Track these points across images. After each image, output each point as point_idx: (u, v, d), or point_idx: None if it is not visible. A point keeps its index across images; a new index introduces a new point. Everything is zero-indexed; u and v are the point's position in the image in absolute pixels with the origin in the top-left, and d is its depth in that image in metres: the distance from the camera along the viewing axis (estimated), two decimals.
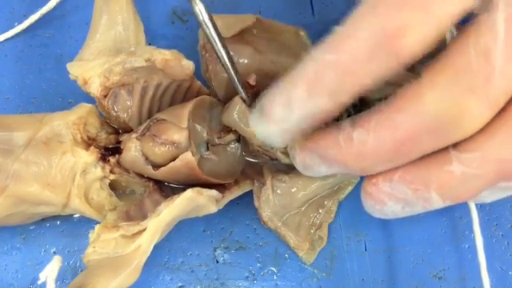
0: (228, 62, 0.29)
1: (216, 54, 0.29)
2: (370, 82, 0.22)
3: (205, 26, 0.28)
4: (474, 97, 0.21)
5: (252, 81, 0.33)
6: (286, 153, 0.31)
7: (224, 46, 0.29)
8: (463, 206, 0.36)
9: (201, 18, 0.28)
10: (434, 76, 0.22)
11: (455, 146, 0.23)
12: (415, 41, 0.21)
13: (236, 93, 0.31)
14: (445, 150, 0.24)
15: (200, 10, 0.28)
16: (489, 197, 0.26)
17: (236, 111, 0.32)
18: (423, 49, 0.21)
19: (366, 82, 0.22)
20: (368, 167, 0.25)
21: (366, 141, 0.23)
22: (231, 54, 0.33)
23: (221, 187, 0.33)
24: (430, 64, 0.22)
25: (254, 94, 0.34)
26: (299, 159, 0.27)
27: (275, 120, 0.24)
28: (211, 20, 0.28)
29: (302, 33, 0.36)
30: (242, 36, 0.34)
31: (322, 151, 0.26)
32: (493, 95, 0.21)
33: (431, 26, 0.21)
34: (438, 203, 0.25)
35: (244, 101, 0.31)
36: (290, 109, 0.23)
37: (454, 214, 0.36)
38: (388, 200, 0.26)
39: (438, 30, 0.21)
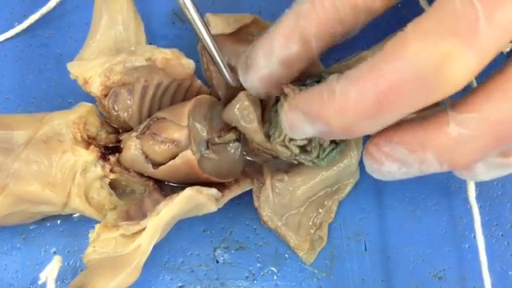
0: (214, 50, 0.31)
1: (201, 42, 0.30)
2: (338, 35, 0.24)
3: (189, 17, 0.29)
4: (458, 41, 0.20)
5: None
6: (284, 145, 0.31)
7: (210, 36, 0.30)
8: (463, 206, 0.36)
9: (186, 12, 0.28)
10: (418, 24, 0.21)
11: (453, 106, 0.23)
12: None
13: (240, 89, 0.31)
14: (443, 111, 0.23)
15: (185, 1, 0.28)
16: (485, 173, 0.26)
17: (237, 107, 0.32)
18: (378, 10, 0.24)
19: (335, 32, 0.24)
20: (350, 124, 0.24)
21: (348, 93, 0.23)
22: (229, 52, 0.34)
23: (221, 186, 0.33)
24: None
25: None
26: (286, 118, 0.27)
27: (258, 67, 0.27)
28: (197, 12, 0.29)
29: None
30: (240, 35, 0.34)
31: (306, 107, 0.25)
32: (479, 42, 0.20)
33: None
34: (434, 166, 0.24)
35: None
36: (270, 56, 0.26)
37: (454, 214, 0.36)
38: (385, 160, 0.25)
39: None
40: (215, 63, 0.31)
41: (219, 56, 0.31)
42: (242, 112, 0.32)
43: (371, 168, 0.27)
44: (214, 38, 0.31)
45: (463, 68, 0.21)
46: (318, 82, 0.30)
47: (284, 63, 0.26)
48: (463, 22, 0.20)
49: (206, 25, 0.30)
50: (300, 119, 0.26)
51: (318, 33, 0.25)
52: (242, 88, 0.31)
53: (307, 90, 0.26)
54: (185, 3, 0.29)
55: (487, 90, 0.23)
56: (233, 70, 0.33)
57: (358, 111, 0.23)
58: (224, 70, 0.32)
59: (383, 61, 0.22)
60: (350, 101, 0.23)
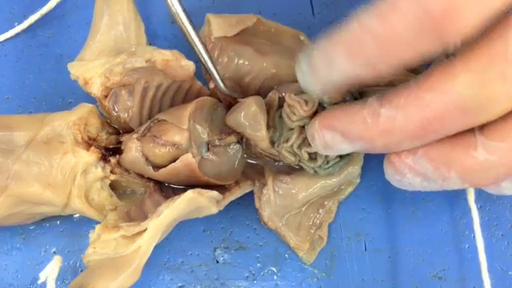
0: (204, 53, 0.30)
1: (190, 44, 0.30)
2: (410, 59, 0.22)
3: (177, 16, 0.28)
4: (505, 84, 0.22)
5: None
6: (292, 152, 0.31)
7: (198, 36, 0.30)
8: (463, 206, 0.36)
9: (173, 9, 0.28)
10: (469, 58, 0.22)
11: (482, 131, 0.24)
12: (461, 27, 0.21)
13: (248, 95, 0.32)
14: (471, 133, 0.24)
15: (173, 4, 0.28)
16: (509, 188, 0.26)
17: (244, 114, 0.32)
18: (469, 36, 0.21)
19: (405, 57, 0.22)
20: (393, 145, 0.25)
21: (394, 117, 0.23)
22: (232, 54, 0.34)
23: (221, 188, 0.33)
24: (466, 45, 0.22)
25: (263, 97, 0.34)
26: (319, 137, 0.27)
27: (318, 74, 0.25)
28: (184, 11, 0.28)
29: (302, 37, 0.36)
30: (242, 36, 0.34)
31: (345, 128, 0.26)
32: None
33: (481, 13, 0.21)
34: (456, 184, 0.25)
35: (226, 92, 0.32)
36: (331, 68, 0.24)
37: (454, 214, 0.36)
38: (408, 172, 0.26)
39: (486, 18, 0.21)
40: (207, 70, 0.31)
41: (212, 63, 0.31)
42: (250, 119, 0.32)
43: (392, 178, 0.27)
44: (207, 45, 0.31)
45: (505, 106, 0.22)
46: None
47: (346, 81, 0.25)
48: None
49: (198, 34, 0.30)
50: (336, 138, 0.26)
51: (388, 58, 0.23)
52: (238, 92, 0.31)
53: (341, 109, 0.26)
54: (177, 12, 0.29)
55: None
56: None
57: (403, 134, 0.24)
58: (217, 78, 0.32)
59: (430, 90, 0.23)
60: (395, 125, 0.24)
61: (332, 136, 0.26)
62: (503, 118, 0.23)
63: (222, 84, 0.32)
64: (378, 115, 0.24)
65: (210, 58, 0.31)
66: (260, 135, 0.32)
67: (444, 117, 0.23)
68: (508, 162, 0.24)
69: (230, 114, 0.33)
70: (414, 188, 0.27)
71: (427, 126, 0.23)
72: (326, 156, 0.31)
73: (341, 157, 0.32)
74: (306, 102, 0.29)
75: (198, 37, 0.30)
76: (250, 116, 0.32)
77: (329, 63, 0.24)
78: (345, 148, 0.27)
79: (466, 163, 0.24)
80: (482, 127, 0.24)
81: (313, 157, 0.31)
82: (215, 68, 0.31)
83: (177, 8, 0.29)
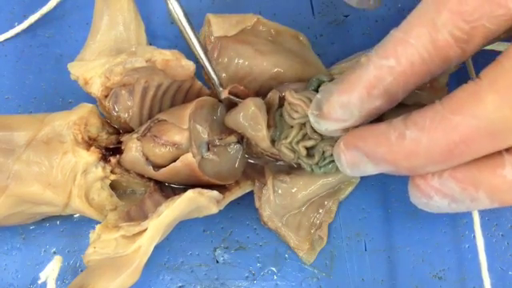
0: (204, 58, 0.31)
1: (190, 48, 0.30)
2: (424, 81, 0.24)
3: (178, 21, 0.28)
4: None
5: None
6: (290, 148, 0.31)
7: (198, 40, 0.30)
8: None
9: (175, 15, 0.28)
10: (494, 79, 0.22)
11: (508, 150, 0.23)
12: (460, 50, 0.23)
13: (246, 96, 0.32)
14: (498, 152, 0.24)
15: (173, 5, 0.28)
16: None
17: (243, 115, 0.32)
18: (470, 54, 0.23)
19: (420, 81, 0.24)
20: (418, 167, 0.25)
21: (420, 140, 0.23)
22: (231, 54, 0.34)
23: (222, 188, 0.33)
24: (490, 65, 0.23)
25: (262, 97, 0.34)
26: (345, 158, 0.27)
27: (334, 119, 0.26)
28: (185, 15, 0.28)
29: (301, 37, 0.36)
30: (242, 36, 0.34)
31: (370, 149, 0.25)
32: None
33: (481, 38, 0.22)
34: (484, 204, 0.25)
35: (225, 97, 0.32)
36: (349, 110, 0.25)
37: (454, 214, 0.36)
38: (435, 194, 0.25)
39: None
40: (207, 74, 0.31)
41: (212, 69, 0.31)
42: (250, 120, 0.32)
43: (419, 201, 0.26)
44: (207, 50, 0.31)
45: None
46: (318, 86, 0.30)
47: (365, 115, 0.26)
48: None
49: (199, 39, 0.30)
50: (362, 160, 0.26)
51: (405, 86, 0.24)
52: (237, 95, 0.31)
53: (366, 129, 0.26)
54: (179, 18, 0.29)
55: None
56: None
57: (428, 157, 0.24)
58: (217, 83, 0.32)
59: (457, 111, 0.23)
60: (420, 148, 0.24)
61: (357, 157, 0.26)
62: None
63: (220, 89, 0.32)
64: (403, 137, 0.24)
65: (211, 64, 0.31)
66: (261, 135, 0.32)
67: (471, 140, 0.23)
68: None
69: (228, 115, 0.33)
70: (441, 210, 0.26)
71: (454, 149, 0.23)
72: (323, 153, 0.31)
73: None
74: (310, 100, 0.30)
75: (200, 44, 0.30)
76: (249, 117, 0.32)
77: (346, 105, 0.25)
78: (370, 169, 0.26)
79: (495, 182, 0.24)
80: (510, 148, 0.24)
81: (310, 153, 0.31)
82: (215, 73, 0.31)
83: (178, 13, 0.28)
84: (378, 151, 0.25)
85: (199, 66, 0.33)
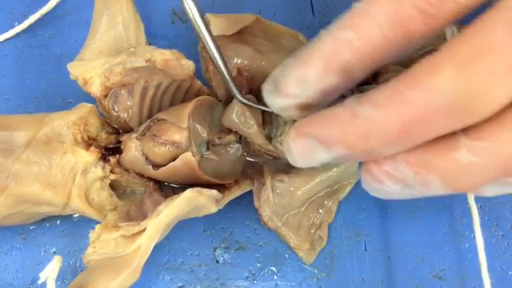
0: (220, 61, 0.29)
1: (207, 51, 0.29)
2: (385, 60, 0.22)
3: (195, 23, 0.28)
4: (495, 79, 0.20)
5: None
6: None
7: (215, 44, 0.29)
8: (463, 206, 0.36)
9: (191, 15, 0.28)
10: (454, 51, 0.20)
11: (465, 132, 0.22)
12: (425, 27, 0.21)
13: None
14: (452, 134, 0.22)
15: (190, 6, 0.27)
16: (491, 191, 0.24)
17: (235, 114, 0.32)
18: (435, 32, 0.21)
19: (380, 60, 0.22)
20: (373, 148, 0.23)
21: (373, 118, 0.22)
22: (230, 53, 0.34)
23: (221, 187, 0.33)
24: (451, 37, 0.21)
25: (256, 97, 0.34)
26: (295, 147, 0.25)
27: (290, 95, 0.24)
28: (201, 17, 0.28)
29: (301, 37, 0.36)
30: (241, 36, 0.34)
31: (321, 133, 0.23)
32: None
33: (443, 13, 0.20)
34: (438, 190, 0.23)
35: (240, 101, 0.31)
36: (304, 84, 0.23)
37: (454, 214, 0.36)
38: (387, 179, 0.24)
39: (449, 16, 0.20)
40: (219, 72, 0.30)
41: (225, 67, 0.30)
42: (240, 118, 0.32)
43: (370, 187, 0.25)
44: (217, 42, 0.30)
45: (494, 104, 0.21)
46: None
47: (322, 93, 0.23)
48: (504, 59, 0.20)
49: (214, 37, 0.29)
50: (313, 146, 0.24)
51: (363, 65, 0.22)
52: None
53: (317, 114, 0.24)
54: (195, 19, 0.28)
55: (503, 120, 0.21)
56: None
57: (384, 136, 0.22)
58: (229, 80, 0.31)
59: (412, 87, 0.21)
60: (375, 126, 0.22)
61: (308, 143, 0.24)
62: (487, 120, 0.21)
63: (236, 92, 0.31)
64: (355, 116, 0.22)
65: (227, 66, 0.30)
66: (252, 131, 0.32)
67: (429, 116, 0.21)
68: (493, 163, 0.22)
69: (223, 115, 0.33)
70: (392, 196, 0.25)
71: (409, 126, 0.21)
72: None
73: None
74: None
75: (216, 44, 0.29)
76: (238, 115, 0.32)
77: (302, 79, 0.23)
78: (323, 156, 0.24)
79: (448, 166, 0.22)
80: (466, 129, 0.22)
81: None
82: (231, 76, 0.30)
83: (194, 14, 0.28)
84: (330, 133, 0.23)
85: (199, 66, 0.33)
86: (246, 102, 0.31)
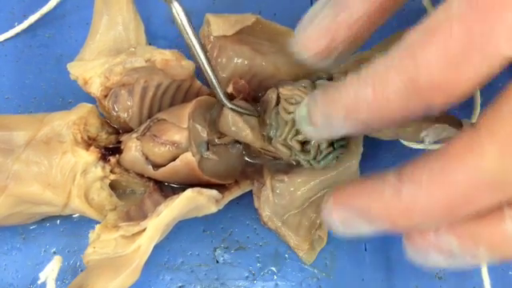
0: (207, 66, 0.30)
1: (194, 55, 0.29)
2: (401, 119, 0.22)
3: (182, 28, 0.28)
4: None
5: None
6: (286, 144, 0.31)
7: (202, 48, 0.29)
8: None
9: (179, 20, 0.27)
10: (493, 128, 0.20)
11: (509, 203, 0.22)
12: (449, 100, 0.21)
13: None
14: (497, 206, 0.22)
15: (177, 11, 0.27)
16: None
17: (229, 124, 0.32)
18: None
19: (396, 117, 0.22)
20: (417, 225, 0.23)
21: (417, 197, 0.22)
22: (230, 54, 0.34)
23: (221, 187, 0.33)
24: (488, 110, 0.21)
25: (253, 98, 0.34)
26: (336, 216, 0.25)
27: (318, 126, 0.25)
28: (189, 22, 0.28)
29: None
30: (241, 36, 0.34)
31: (362, 207, 0.24)
32: None
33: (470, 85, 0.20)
34: (485, 259, 0.23)
35: (229, 108, 0.32)
36: (329, 123, 0.24)
37: None
38: (432, 250, 0.24)
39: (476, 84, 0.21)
40: (207, 79, 0.31)
41: (213, 73, 0.30)
42: (234, 127, 0.32)
43: (415, 256, 0.25)
44: (207, 53, 0.30)
45: None
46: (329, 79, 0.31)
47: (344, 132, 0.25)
48: None
49: (204, 50, 0.29)
50: (355, 218, 0.24)
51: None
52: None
53: (356, 185, 0.24)
54: (183, 26, 0.28)
55: None
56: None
57: (428, 215, 0.22)
58: (217, 87, 0.31)
59: (455, 166, 0.21)
60: (418, 205, 0.22)
61: (350, 215, 0.24)
62: None
63: (222, 96, 0.31)
64: (399, 194, 0.22)
65: (213, 70, 0.30)
66: (248, 139, 0.32)
67: (472, 195, 0.21)
68: None
69: (218, 122, 0.33)
70: (438, 266, 0.25)
71: (454, 205, 0.21)
72: (319, 146, 0.31)
73: (334, 148, 0.31)
74: (305, 87, 0.30)
75: (203, 48, 0.29)
76: (231, 125, 0.32)
77: (327, 119, 0.24)
78: (365, 228, 0.24)
79: (495, 238, 0.22)
80: (510, 200, 0.22)
81: (306, 149, 0.31)
82: (217, 80, 0.30)
83: (182, 19, 0.28)
84: (372, 209, 0.23)
85: (199, 66, 0.33)
86: (234, 108, 0.32)
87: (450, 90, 0.21)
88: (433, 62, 0.20)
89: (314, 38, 0.26)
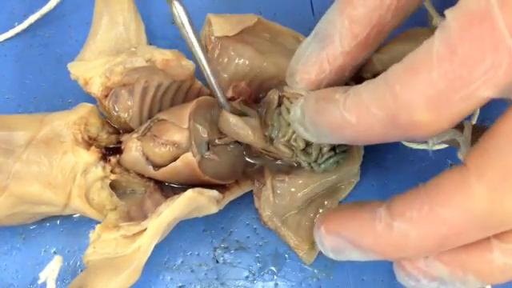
0: (207, 67, 0.29)
1: (193, 56, 0.29)
2: (384, 141, 0.23)
3: (182, 28, 0.28)
4: None
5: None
6: (288, 145, 0.31)
7: (202, 49, 0.29)
8: None
9: (179, 20, 0.27)
10: (482, 169, 0.21)
11: (497, 236, 0.23)
12: (427, 135, 0.22)
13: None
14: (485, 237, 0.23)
15: (178, 11, 0.27)
16: None
17: (229, 125, 0.32)
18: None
19: (382, 140, 0.23)
20: (408, 257, 0.24)
21: (408, 233, 0.22)
22: (232, 54, 0.34)
23: (221, 187, 0.33)
24: (475, 149, 0.22)
25: (254, 98, 0.34)
26: (327, 243, 0.26)
27: (311, 132, 0.26)
28: (190, 22, 0.28)
29: (301, 38, 0.36)
30: (242, 36, 0.34)
31: (354, 238, 0.25)
32: None
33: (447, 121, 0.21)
34: (474, 285, 0.24)
35: (228, 110, 0.32)
36: (317, 131, 0.26)
37: None
38: (422, 277, 0.25)
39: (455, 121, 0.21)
40: (206, 81, 0.31)
41: (212, 75, 0.30)
42: (233, 128, 0.32)
43: (405, 283, 0.26)
44: (207, 54, 0.30)
45: None
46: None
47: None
48: None
49: (205, 52, 0.29)
50: (346, 247, 0.25)
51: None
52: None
53: (347, 215, 0.25)
54: (184, 27, 0.28)
55: None
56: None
57: (419, 249, 0.23)
58: (220, 96, 0.31)
59: (444, 205, 0.22)
60: (409, 240, 0.23)
61: (341, 243, 0.25)
62: None
63: (222, 98, 0.31)
64: (390, 228, 0.23)
65: (213, 71, 0.30)
66: (249, 139, 0.32)
67: (461, 232, 0.22)
68: None
69: (218, 123, 0.33)
70: None
71: (443, 240, 0.22)
72: (320, 149, 0.31)
73: (335, 152, 0.32)
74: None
75: (203, 49, 0.29)
76: (232, 127, 0.32)
77: (316, 128, 0.25)
78: (355, 256, 0.25)
79: (483, 267, 0.23)
80: (497, 233, 0.23)
81: (308, 151, 0.31)
82: (217, 82, 0.30)
83: (182, 19, 0.28)
84: (364, 241, 0.24)
85: (199, 66, 0.33)
86: (233, 110, 0.32)
87: (430, 127, 0.21)
88: (413, 102, 0.21)
89: (303, 70, 0.27)
